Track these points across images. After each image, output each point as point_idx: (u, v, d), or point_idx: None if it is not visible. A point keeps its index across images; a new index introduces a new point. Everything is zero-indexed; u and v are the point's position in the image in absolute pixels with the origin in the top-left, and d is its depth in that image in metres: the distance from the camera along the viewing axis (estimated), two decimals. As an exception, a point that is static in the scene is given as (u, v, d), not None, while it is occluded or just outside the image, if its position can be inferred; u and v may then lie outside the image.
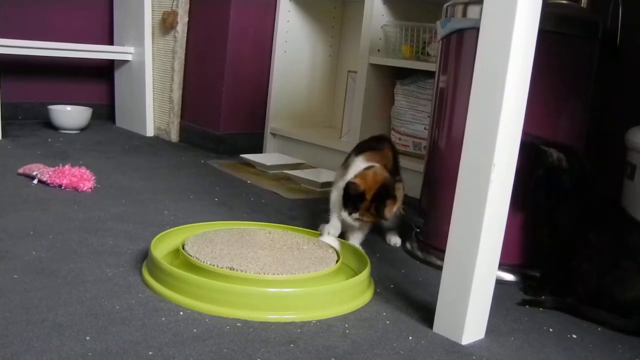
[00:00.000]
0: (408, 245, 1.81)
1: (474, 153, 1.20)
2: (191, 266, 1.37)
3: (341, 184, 1.65)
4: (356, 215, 1.61)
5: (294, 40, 2.99)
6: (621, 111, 1.89)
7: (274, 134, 2.99)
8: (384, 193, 1.60)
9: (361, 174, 1.62)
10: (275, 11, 2.95)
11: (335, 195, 1.69)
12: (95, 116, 3.19)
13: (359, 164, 1.68)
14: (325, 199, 1.89)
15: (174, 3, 3.04)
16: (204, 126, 3.00)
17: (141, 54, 3.17)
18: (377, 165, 1.67)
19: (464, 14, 1.63)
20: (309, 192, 2.37)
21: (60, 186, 2.05)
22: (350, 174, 1.65)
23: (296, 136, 2.89)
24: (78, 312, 1.20)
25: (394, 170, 1.78)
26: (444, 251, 1.26)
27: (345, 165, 1.75)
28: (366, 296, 1.41)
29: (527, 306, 1.46)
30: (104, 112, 3.44)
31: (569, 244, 1.49)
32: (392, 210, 1.61)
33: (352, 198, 1.60)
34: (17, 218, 1.73)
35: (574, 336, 1.33)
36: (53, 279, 1.34)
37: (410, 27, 2.51)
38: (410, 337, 1.25)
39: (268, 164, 2.63)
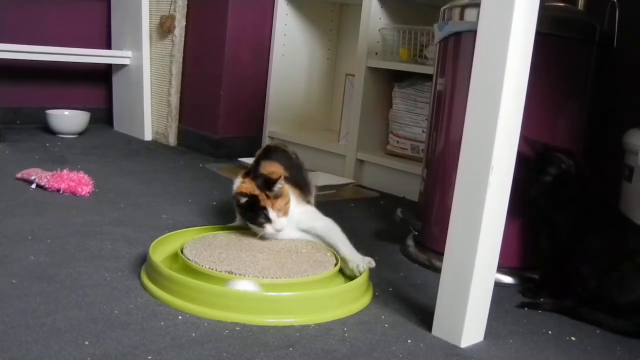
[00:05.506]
0: (407, 248, 1.81)
1: (472, 156, 1.21)
2: (190, 270, 1.37)
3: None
4: (274, 213, 1.50)
5: (291, 44, 2.99)
6: (619, 113, 1.89)
7: (271, 137, 2.99)
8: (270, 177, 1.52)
9: (240, 185, 1.56)
10: (272, 14, 2.95)
11: None
12: (93, 120, 3.19)
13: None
14: (324, 202, 1.89)
15: (172, 7, 3.04)
16: (202, 130, 3.00)
17: (139, 58, 3.17)
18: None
19: (462, 16, 1.63)
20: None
21: (58, 190, 2.05)
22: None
23: (294, 139, 2.88)
24: (77, 317, 1.20)
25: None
26: (442, 254, 1.26)
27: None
28: (365, 299, 1.41)
29: (525, 308, 1.46)
30: (102, 117, 3.44)
31: (568, 246, 1.49)
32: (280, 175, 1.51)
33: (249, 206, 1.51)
34: (15, 222, 1.72)
35: (573, 338, 1.33)
36: (51, 284, 1.34)
37: (408, 30, 2.52)
38: (409, 340, 1.24)
39: (266, 167, 2.63)
